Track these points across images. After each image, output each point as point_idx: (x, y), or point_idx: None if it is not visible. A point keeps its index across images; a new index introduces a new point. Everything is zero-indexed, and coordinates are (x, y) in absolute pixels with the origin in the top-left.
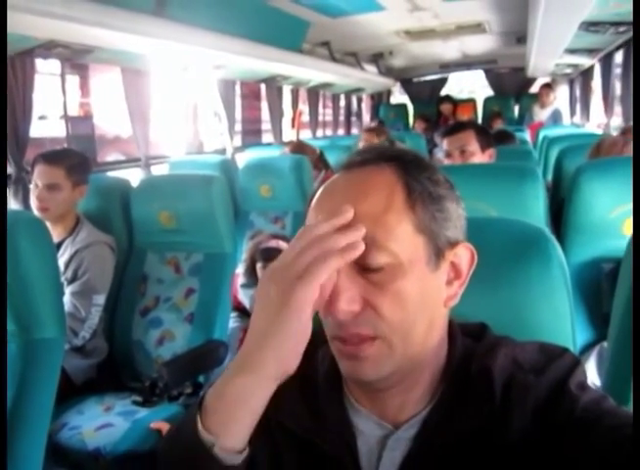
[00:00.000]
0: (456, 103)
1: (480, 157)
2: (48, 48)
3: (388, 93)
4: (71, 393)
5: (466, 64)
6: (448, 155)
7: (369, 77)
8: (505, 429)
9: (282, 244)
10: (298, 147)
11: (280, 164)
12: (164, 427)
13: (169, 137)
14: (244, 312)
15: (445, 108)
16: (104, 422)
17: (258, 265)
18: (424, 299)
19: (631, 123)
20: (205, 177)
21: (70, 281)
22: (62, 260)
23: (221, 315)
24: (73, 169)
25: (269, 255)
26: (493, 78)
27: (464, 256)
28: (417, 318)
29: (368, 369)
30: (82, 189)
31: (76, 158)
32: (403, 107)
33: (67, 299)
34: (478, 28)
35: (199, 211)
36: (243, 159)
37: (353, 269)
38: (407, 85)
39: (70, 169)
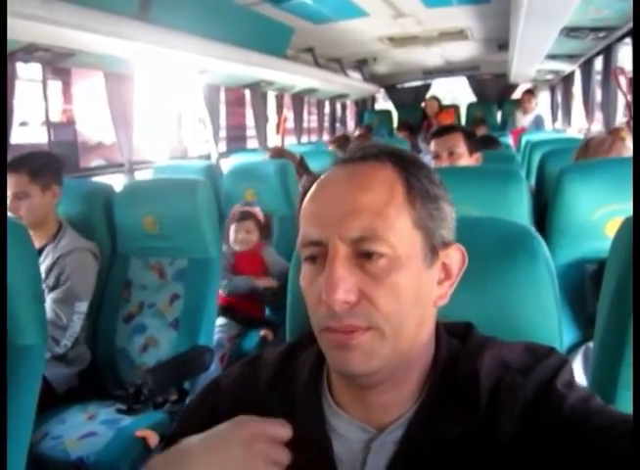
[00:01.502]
0: (440, 107)
1: (467, 160)
2: (29, 51)
3: (373, 99)
4: (53, 402)
5: (449, 70)
6: (436, 156)
7: (353, 83)
8: (493, 430)
9: (253, 208)
10: (278, 152)
11: (264, 169)
12: (150, 435)
13: (153, 143)
14: (232, 318)
15: (430, 105)
16: (87, 431)
17: (232, 227)
18: (418, 294)
19: (618, 124)
20: (190, 182)
21: (52, 288)
22: (43, 267)
23: (207, 321)
24: (38, 173)
25: (242, 216)
26: (476, 85)
27: (455, 257)
28: (410, 312)
29: (358, 360)
30: (54, 191)
31: (40, 160)
32: (387, 113)
33: (48, 306)
34: (460, 35)
35: (183, 216)
36: (227, 164)
37: (350, 261)
38: (391, 91)
39: (34, 174)
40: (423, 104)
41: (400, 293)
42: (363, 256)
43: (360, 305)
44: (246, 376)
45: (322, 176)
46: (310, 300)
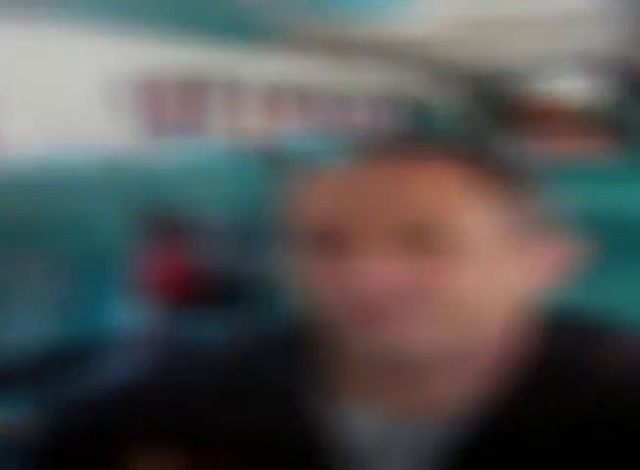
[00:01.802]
0: (546, 106)
1: (589, 149)
2: None
3: (427, 97)
4: None
5: (569, 63)
6: (551, 148)
7: (396, 77)
8: (600, 450)
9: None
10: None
11: (214, 167)
12: None
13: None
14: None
15: (534, 101)
16: None
17: None
18: (491, 285)
19: None
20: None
21: None
22: None
23: (92, 317)
24: None
25: None
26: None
27: (554, 251)
28: (480, 301)
29: (405, 332)
30: None
31: None
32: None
33: None
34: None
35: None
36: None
37: (398, 244)
38: (467, 87)
39: None
40: (522, 99)
41: (469, 282)
42: (414, 244)
43: (412, 289)
44: (178, 380)
45: (345, 172)
46: (324, 288)
